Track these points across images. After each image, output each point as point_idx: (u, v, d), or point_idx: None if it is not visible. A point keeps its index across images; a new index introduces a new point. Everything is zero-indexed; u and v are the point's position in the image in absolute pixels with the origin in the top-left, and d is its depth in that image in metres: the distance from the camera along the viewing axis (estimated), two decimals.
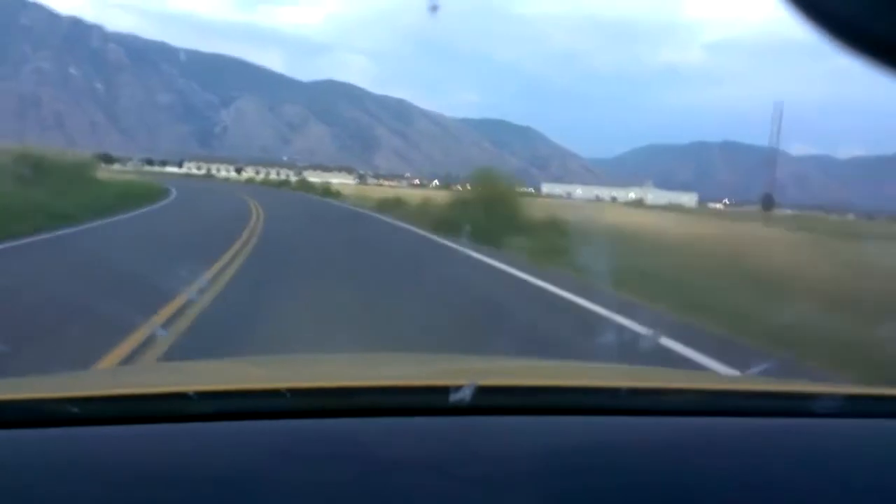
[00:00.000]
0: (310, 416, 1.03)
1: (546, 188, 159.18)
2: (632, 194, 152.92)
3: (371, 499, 0.84)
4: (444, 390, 1.03)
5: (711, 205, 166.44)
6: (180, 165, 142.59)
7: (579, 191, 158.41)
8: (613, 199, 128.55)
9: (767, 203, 39.15)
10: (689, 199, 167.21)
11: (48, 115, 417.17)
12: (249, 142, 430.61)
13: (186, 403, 1.02)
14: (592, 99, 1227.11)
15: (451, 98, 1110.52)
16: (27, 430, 0.96)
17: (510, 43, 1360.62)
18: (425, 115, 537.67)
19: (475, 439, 0.98)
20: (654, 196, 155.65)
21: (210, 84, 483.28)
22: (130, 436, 0.96)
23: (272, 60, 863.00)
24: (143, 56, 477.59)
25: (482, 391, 1.04)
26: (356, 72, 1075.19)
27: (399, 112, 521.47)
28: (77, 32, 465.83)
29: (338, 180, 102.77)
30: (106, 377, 1.67)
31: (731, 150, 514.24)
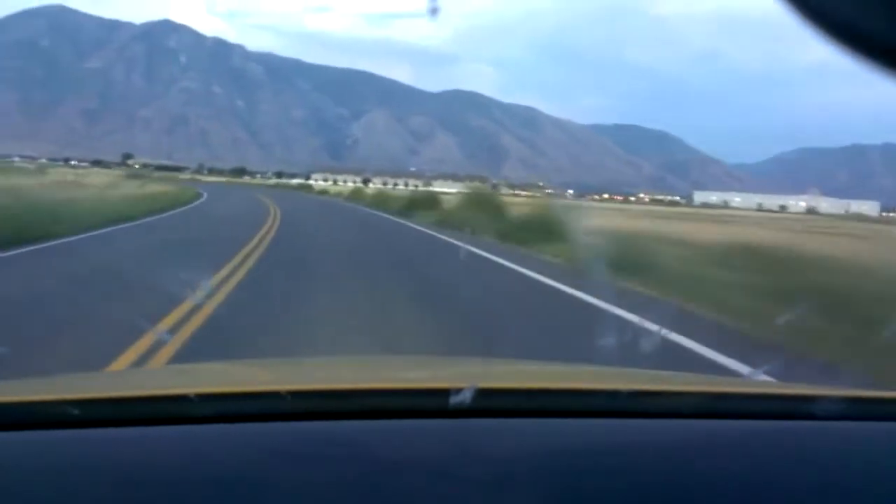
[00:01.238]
0: (310, 418, 1.03)
1: (699, 197, 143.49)
2: (801, 202, 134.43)
3: (371, 501, 0.85)
4: (445, 392, 1.04)
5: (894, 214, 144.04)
6: (307, 178, 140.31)
7: (738, 199, 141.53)
8: (782, 209, 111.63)
9: None
10: (869, 207, 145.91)
11: (194, 132, 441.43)
12: (378, 153, 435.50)
13: (187, 406, 1.03)
14: (733, 101, 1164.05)
15: (581, 104, 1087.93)
16: (28, 433, 0.97)
17: (644, 45, 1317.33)
18: (553, 122, 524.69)
19: (475, 441, 0.98)
20: (827, 205, 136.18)
21: (342, 98, 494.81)
22: (131, 438, 0.96)
23: (401, 73, 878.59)
24: (280, 73, 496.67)
25: (482, 393, 1.05)
26: (483, 81, 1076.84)
27: (526, 120, 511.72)
28: (220, 53, 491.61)
29: (466, 189, 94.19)
30: (107, 379, 1.66)
31: (894, 153, 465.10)
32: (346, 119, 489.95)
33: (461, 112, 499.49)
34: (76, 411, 1.00)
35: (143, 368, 3.83)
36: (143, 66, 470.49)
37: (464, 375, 1.42)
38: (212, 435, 0.98)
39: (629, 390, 1.18)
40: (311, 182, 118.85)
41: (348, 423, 1.02)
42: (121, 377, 1.63)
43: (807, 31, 0.58)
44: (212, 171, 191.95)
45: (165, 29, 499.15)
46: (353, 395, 1.16)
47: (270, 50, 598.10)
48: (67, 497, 0.83)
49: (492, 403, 1.08)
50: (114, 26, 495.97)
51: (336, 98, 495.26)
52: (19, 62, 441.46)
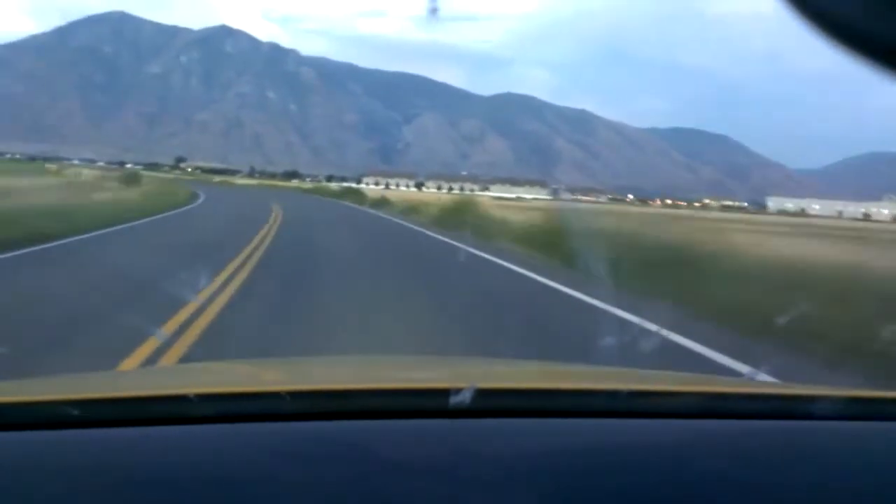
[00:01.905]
0: (310, 418, 1.03)
1: (773, 203, 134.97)
2: (884, 210, 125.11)
3: (371, 501, 0.84)
4: (444, 393, 1.04)
5: None
6: (358, 181, 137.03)
7: (816, 206, 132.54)
8: (866, 217, 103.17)
9: None
10: None
11: (248, 136, 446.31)
12: (430, 157, 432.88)
13: (187, 406, 1.03)
14: (797, 104, 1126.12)
15: (637, 106, 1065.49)
16: (28, 433, 0.97)
17: (703, 46, 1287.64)
18: (608, 125, 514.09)
19: (475, 442, 0.98)
20: None
21: (393, 102, 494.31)
22: (131, 438, 0.96)
23: (453, 76, 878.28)
24: (333, 77, 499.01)
25: (482, 394, 1.05)
26: (535, 84, 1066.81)
27: (580, 123, 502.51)
28: (275, 57, 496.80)
29: (530, 195, 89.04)
30: (107, 379, 1.68)
31: None
32: (398, 123, 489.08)
33: (513, 115, 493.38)
34: (76, 411, 1.00)
35: (144, 368, 3.73)
36: (200, 71, 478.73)
37: (463, 375, 1.43)
38: (212, 435, 0.98)
39: (629, 390, 1.18)
40: (362, 186, 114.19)
41: (348, 424, 1.02)
42: (121, 377, 1.66)
43: (808, 31, 0.57)
44: (263, 175, 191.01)
45: (222, 34, 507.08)
46: (353, 395, 1.16)
47: (323, 54, 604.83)
48: (68, 497, 0.83)
49: (491, 404, 1.08)
50: (173, 32, 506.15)
51: (388, 102, 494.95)
52: (83, 68, 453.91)
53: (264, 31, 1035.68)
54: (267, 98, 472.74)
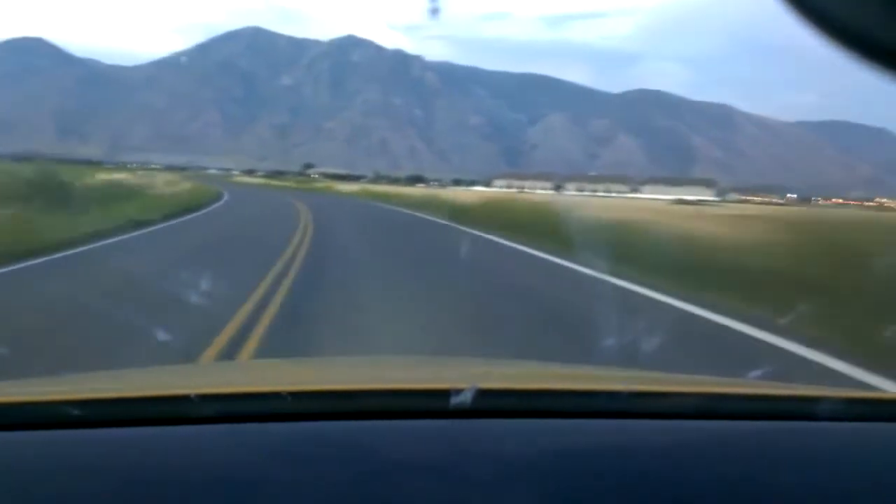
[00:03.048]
0: (311, 418, 1.03)
1: None
2: None
3: (372, 501, 0.84)
4: (445, 393, 1.03)
5: None
6: (488, 184, 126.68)
7: None
8: None
9: None
10: None
11: (374, 143, 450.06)
12: (556, 158, 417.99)
13: (188, 406, 1.03)
14: None
15: (783, 100, 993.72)
16: (29, 433, 0.97)
17: None
18: (751, 119, 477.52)
19: (476, 442, 0.98)
20: None
21: (518, 103, 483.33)
22: (132, 438, 0.96)
23: (580, 75, 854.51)
24: (456, 81, 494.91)
25: (483, 394, 1.05)
26: (669, 79, 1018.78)
27: (719, 118, 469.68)
28: (400, 64, 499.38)
29: (692, 196, 75.07)
30: (108, 380, 1.67)
31: None
32: (523, 124, 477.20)
33: (645, 113, 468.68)
34: (77, 411, 1.00)
35: (144, 368, 4.06)
36: (328, 81, 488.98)
37: (464, 376, 1.41)
38: (212, 435, 0.98)
39: (629, 391, 1.18)
40: (494, 189, 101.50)
41: (349, 424, 1.02)
42: (121, 377, 1.69)
43: (809, 31, 0.56)
44: (388, 180, 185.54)
45: (349, 44, 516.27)
46: (354, 395, 1.16)
47: (447, 59, 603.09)
48: (68, 497, 0.83)
49: (492, 404, 1.09)
50: (304, 45, 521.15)
51: (513, 103, 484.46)
52: (221, 82, 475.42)
53: (389, 39, 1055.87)
54: (392, 104, 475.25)
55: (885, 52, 0.55)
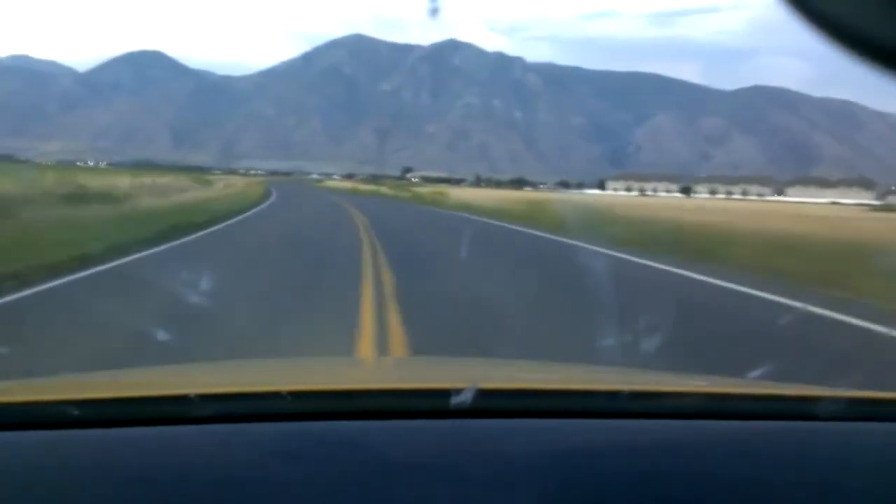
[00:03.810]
0: (311, 418, 1.03)
1: None
2: None
3: (372, 501, 0.85)
4: (446, 393, 1.04)
5: None
6: (602, 186, 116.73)
7: None
8: None
9: None
10: None
11: (474, 147, 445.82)
12: (664, 159, 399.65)
13: (188, 406, 1.02)
14: None
15: None
16: (28, 433, 0.97)
17: None
18: (880, 116, 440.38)
19: (476, 442, 0.98)
20: None
21: (623, 103, 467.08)
22: (131, 438, 0.97)
23: (690, 72, 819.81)
24: (558, 82, 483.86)
25: (483, 394, 1.05)
26: (787, 75, 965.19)
27: (843, 115, 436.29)
28: (500, 66, 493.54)
29: (849, 200, 63.99)
30: (107, 379, 1.66)
31: None
32: (629, 124, 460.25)
33: (761, 111, 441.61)
34: (76, 411, 1.00)
35: (144, 369, 4.08)
36: (429, 85, 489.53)
37: (464, 376, 1.41)
38: (212, 435, 0.98)
39: (629, 391, 1.18)
40: (611, 193, 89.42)
41: (349, 424, 1.02)
42: (121, 377, 1.68)
43: (810, 32, 0.56)
44: (490, 183, 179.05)
45: (450, 48, 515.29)
46: (354, 395, 1.16)
47: (549, 60, 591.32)
48: (68, 497, 0.84)
49: (492, 404, 1.08)
50: (405, 50, 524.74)
51: (617, 103, 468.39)
52: (325, 89, 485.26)
53: (490, 42, 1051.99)
54: (492, 107, 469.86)
55: (886, 52, 0.55)
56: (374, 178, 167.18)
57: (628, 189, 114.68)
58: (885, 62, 0.56)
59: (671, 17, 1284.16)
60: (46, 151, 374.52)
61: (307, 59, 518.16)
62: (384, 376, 1.56)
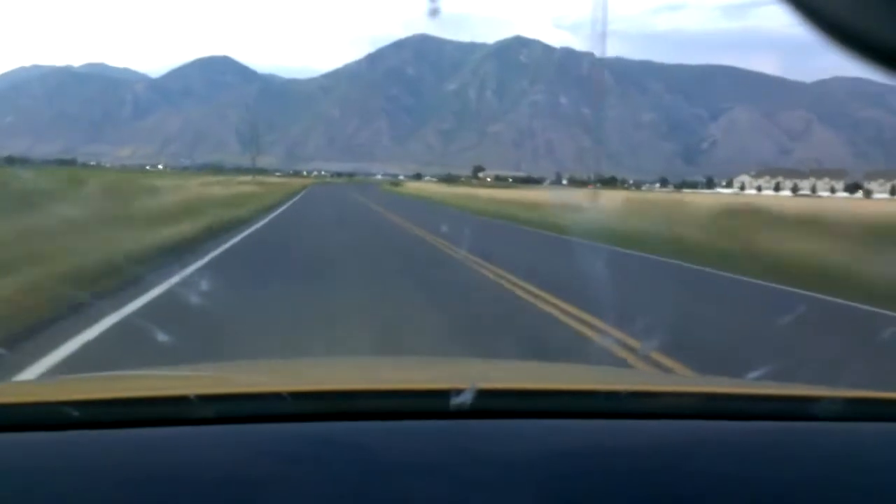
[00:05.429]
0: (311, 419, 1.03)
1: None
2: None
3: (372, 502, 0.85)
4: (445, 394, 1.03)
5: None
6: (730, 184, 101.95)
7: None
8: None
9: None
10: None
11: (540, 145, 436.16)
12: (741, 155, 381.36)
13: (187, 407, 1.03)
14: None
15: None
16: (27, 434, 0.97)
17: None
18: None
19: (476, 443, 0.98)
20: None
21: (697, 98, 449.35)
22: (131, 439, 0.97)
23: (767, 64, 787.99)
24: (628, 77, 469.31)
25: (482, 394, 1.05)
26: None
27: None
28: (568, 63, 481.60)
29: None
30: (106, 381, 1.65)
31: None
32: (703, 120, 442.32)
33: (845, 103, 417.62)
34: (76, 413, 1.00)
35: (143, 370, 4.22)
36: (494, 84, 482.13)
37: (464, 376, 1.39)
38: (212, 436, 0.98)
39: (629, 391, 1.18)
40: (749, 191, 68.19)
41: (348, 425, 1.03)
42: (120, 379, 1.68)
43: (810, 32, 0.56)
44: (574, 182, 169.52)
45: (516, 45, 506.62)
46: (354, 396, 1.16)
47: (618, 55, 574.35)
48: (68, 498, 0.84)
49: (492, 404, 1.09)
50: (470, 48, 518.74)
51: (690, 98, 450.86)
52: (390, 90, 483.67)
53: (557, 38, 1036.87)
54: (559, 104, 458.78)
55: (886, 52, 0.55)
56: (448, 179, 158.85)
57: (777, 187, 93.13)
58: (885, 62, 0.55)
59: (743, 9, 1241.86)
60: (119, 157, 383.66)
61: (371, 60, 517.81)
62: (384, 377, 1.55)
